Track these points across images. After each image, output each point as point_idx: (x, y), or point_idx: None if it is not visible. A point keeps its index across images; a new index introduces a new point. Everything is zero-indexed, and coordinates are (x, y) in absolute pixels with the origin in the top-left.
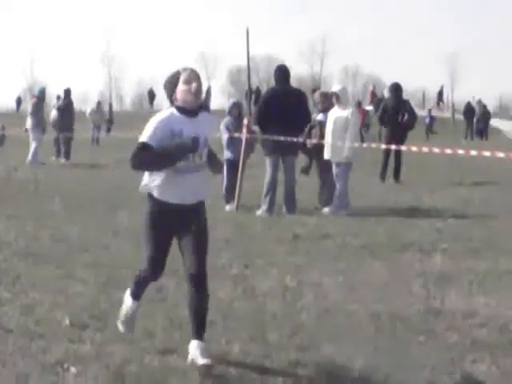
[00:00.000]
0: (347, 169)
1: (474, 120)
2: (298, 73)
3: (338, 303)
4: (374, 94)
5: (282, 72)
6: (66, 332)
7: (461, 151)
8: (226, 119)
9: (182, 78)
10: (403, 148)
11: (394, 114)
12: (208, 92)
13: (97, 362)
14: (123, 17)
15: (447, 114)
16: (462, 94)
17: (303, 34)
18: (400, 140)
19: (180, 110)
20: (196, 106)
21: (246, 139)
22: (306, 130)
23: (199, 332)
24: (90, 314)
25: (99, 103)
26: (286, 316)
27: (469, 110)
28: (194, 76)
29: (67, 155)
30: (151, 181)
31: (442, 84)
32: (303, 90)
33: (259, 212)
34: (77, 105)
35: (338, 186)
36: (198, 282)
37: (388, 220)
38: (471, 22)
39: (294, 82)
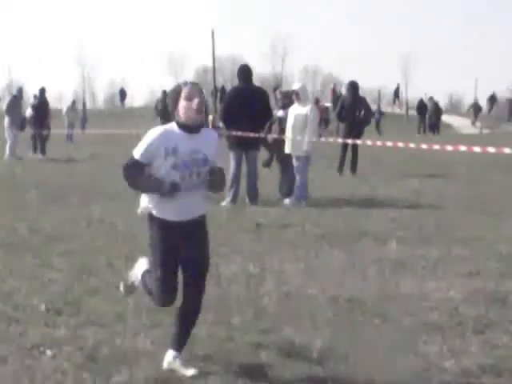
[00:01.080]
0: (306, 162)
1: (427, 116)
2: (261, 72)
3: (298, 288)
4: (334, 92)
5: (245, 71)
6: (42, 317)
7: (412, 145)
8: None
9: (183, 94)
10: (359, 142)
11: (351, 111)
12: None
13: (71, 345)
14: (96, 20)
15: (402, 111)
16: (415, 91)
17: (266, 36)
18: (357, 135)
19: (180, 125)
20: (198, 123)
21: None
22: (267, 125)
23: (181, 344)
24: (64, 300)
25: (74, 102)
26: (249, 300)
27: (421, 107)
28: (195, 92)
29: (43, 151)
30: (150, 199)
31: (398, 83)
32: (265, 89)
33: (224, 203)
34: (53, 103)
35: (297, 178)
36: (193, 297)
37: (345, 210)
38: (424, 24)
39: (256, 81)
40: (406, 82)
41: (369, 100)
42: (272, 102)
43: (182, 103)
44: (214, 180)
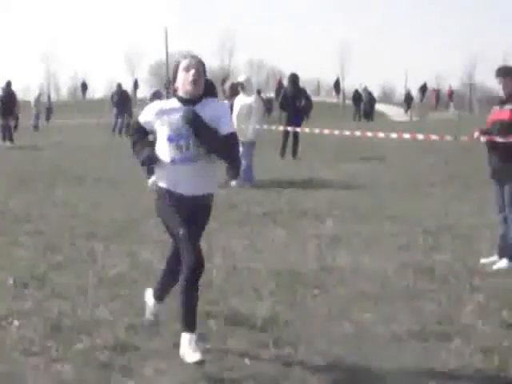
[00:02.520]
0: (251, 147)
1: (362, 105)
2: (210, 65)
3: (243, 263)
4: (280, 83)
5: None
6: (9, 291)
7: (347, 132)
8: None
9: (181, 66)
10: (299, 129)
11: (292, 100)
12: (135, 83)
13: (37, 316)
14: (59, 17)
15: (339, 100)
16: (351, 82)
17: (215, 33)
18: (297, 123)
19: (179, 98)
20: (195, 95)
21: None
22: None
23: (190, 324)
24: (31, 275)
25: (39, 94)
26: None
27: (357, 96)
28: (193, 63)
29: (11, 139)
30: (157, 173)
31: (337, 76)
32: (214, 81)
33: None
34: (21, 96)
35: (243, 162)
36: (192, 275)
37: (287, 191)
38: (359, 18)
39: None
40: (343, 74)
41: (309, 90)
42: (220, 93)
43: (180, 74)
44: (191, 119)
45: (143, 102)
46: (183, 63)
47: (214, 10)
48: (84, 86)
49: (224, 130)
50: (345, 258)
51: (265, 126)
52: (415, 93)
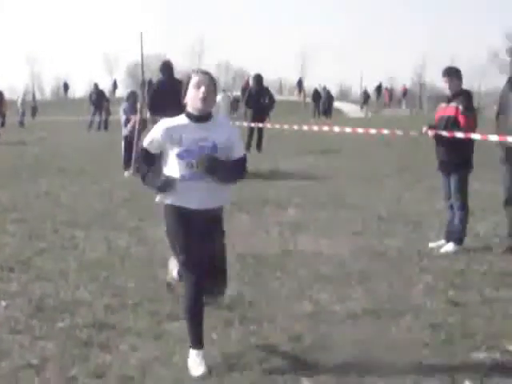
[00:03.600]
0: None
1: (320, 103)
2: (181, 67)
3: None
4: (247, 83)
5: (167, 66)
6: None
7: (305, 127)
8: (124, 104)
9: (192, 82)
10: (262, 125)
11: (257, 99)
12: (114, 84)
13: (22, 297)
14: (43, 22)
15: (301, 99)
16: (311, 81)
17: (186, 36)
18: (261, 119)
19: (188, 115)
20: (205, 112)
21: (139, 120)
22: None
23: (194, 341)
24: (16, 260)
25: (25, 94)
26: (170, 257)
27: (316, 95)
28: (203, 80)
29: None
30: None
31: (300, 77)
32: (184, 81)
33: None
34: (8, 95)
35: None
36: (192, 299)
37: (252, 181)
38: (318, 24)
39: (177, 75)
40: (304, 74)
41: (272, 90)
42: None
43: (191, 91)
44: (209, 167)
45: (121, 101)
46: (194, 79)
47: (185, 16)
48: (66, 86)
49: (237, 154)
50: (305, 242)
51: (235, 123)
52: (371, 92)
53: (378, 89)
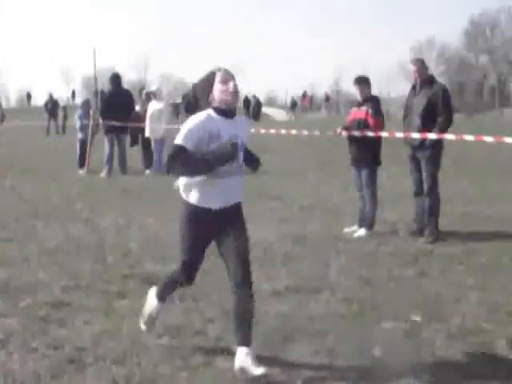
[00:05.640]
0: (162, 143)
1: (250, 108)
2: (129, 78)
3: (155, 234)
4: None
5: (116, 78)
6: None
7: None
8: (79, 111)
9: (218, 78)
10: None
11: (195, 105)
12: (73, 93)
13: None
14: (8, 38)
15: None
16: (244, 90)
17: (134, 50)
18: None
19: (217, 110)
20: (234, 106)
21: (92, 125)
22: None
23: (246, 339)
24: None
25: None
26: (119, 244)
27: (246, 102)
28: (230, 75)
29: None
30: (187, 187)
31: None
32: (131, 91)
33: (102, 174)
34: None
35: (155, 154)
36: (244, 290)
37: None
38: (250, 37)
39: (126, 85)
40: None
41: None
42: (138, 100)
43: (218, 87)
44: (252, 160)
45: (76, 108)
46: (219, 76)
47: (133, 33)
48: (29, 96)
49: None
50: None
51: (174, 126)
52: (297, 98)
53: (304, 95)
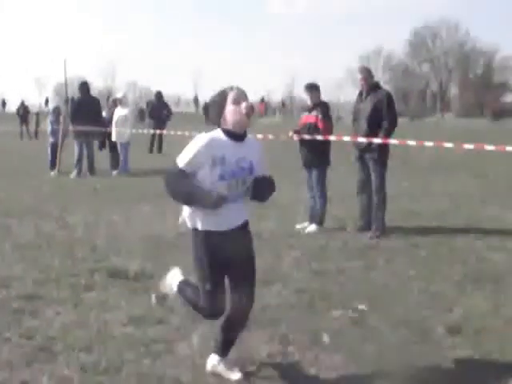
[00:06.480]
0: (128, 146)
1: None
2: (98, 86)
3: (121, 231)
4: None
5: (84, 86)
6: None
7: (197, 133)
8: (51, 117)
9: (230, 98)
10: (161, 132)
11: (158, 111)
12: (47, 101)
13: None
14: None
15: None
16: (204, 95)
17: (101, 59)
18: (162, 127)
19: (226, 132)
20: (246, 128)
21: (62, 129)
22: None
23: (227, 352)
24: None
25: None
26: (87, 239)
27: (206, 108)
28: (242, 95)
29: None
30: (192, 215)
31: (196, 93)
32: (99, 98)
33: (72, 175)
34: None
35: (121, 156)
36: (245, 308)
37: (154, 177)
38: (209, 48)
39: (94, 92)
40: (196, 90)
41: (171, 103)
42: (105, 106)
43: (230, 108)
44: (260, 191)
45: (48, 114)
46: (231, 95)
47: (100, 43)
48: (3, 103)
49: (263, 169)
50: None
51: (139, 131)
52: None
53: (262, 101)
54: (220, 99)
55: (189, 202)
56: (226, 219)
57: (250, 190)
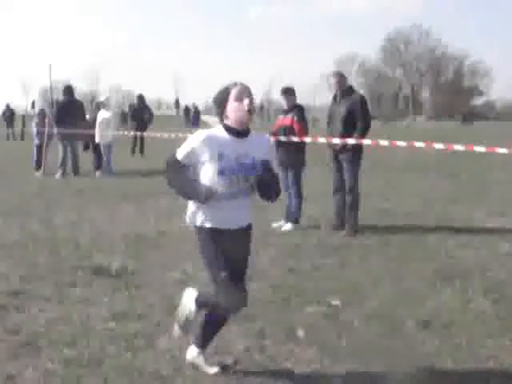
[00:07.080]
0: (111, 147)
1: (191, 116)
2: (82, 89)
3: (104, 229)
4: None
5: (69, 89)
6: None
7: (181, 135)
8: (36, 119)
9: (232, 94)
10: (145, 134)
11: (140, 114)
12: (33, 103)
13: None
14: None
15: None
16: (185, 99)
17: (85, 63)
18: (143, 129)
19: (228, 129)
20: (248, 124)
21: (47, 131)
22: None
23: (207, 345)
24: None
25: None
26: (71, 238)
27: (186, 110)
28: (245, 91)
29: None
30: (194, 213)
31: (177, 96)
32: (83, 101)
33: (57, 176)
34: None
35: (105, 157)
36: (235, 310)
37: (136, 178)
38: (189, 52)
39: (79, 96)
40: (178, 94)
41: (152, 106)
42: (89, 109)
43: (232, 104)
44: (265, 190)
45: (34, 116)
46: (234, 91)
47: (85, 47)
48: None
49: (271, 166)
50: (175, 225)
51: (121, 133)
52: None
53: None
54: (222, 96)
55: (181, 193)
56: (228, 217)
57: (255, 189)
